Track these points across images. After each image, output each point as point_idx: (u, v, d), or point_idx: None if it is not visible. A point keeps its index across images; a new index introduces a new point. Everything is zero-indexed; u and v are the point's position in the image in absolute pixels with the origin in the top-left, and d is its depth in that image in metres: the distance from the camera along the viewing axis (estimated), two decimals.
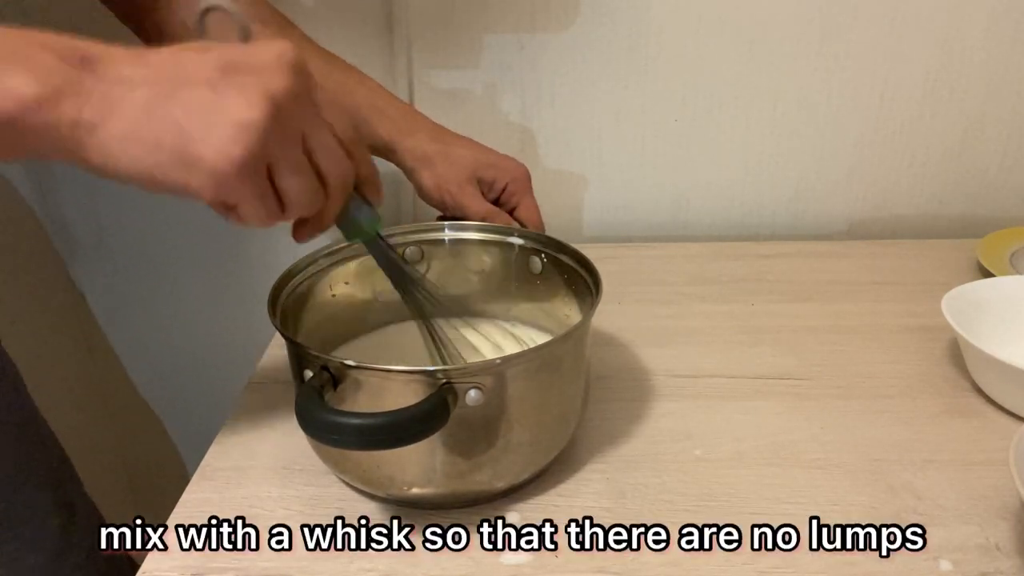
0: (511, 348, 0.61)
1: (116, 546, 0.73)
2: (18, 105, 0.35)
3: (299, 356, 0.49)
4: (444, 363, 0.55)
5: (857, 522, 0.50)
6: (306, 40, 0.68)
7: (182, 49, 0.38)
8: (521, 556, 0.48)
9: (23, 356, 0.70)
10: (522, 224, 0.68)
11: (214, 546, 0.49)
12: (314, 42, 0.68)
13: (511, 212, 0.69)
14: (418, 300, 0.55)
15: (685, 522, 0.50)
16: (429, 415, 0.44)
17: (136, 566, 0.48)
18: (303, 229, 0.45)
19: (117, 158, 0.37)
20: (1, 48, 0.36)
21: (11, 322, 0.70)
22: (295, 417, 0.44)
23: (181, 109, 0.36)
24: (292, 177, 0.40)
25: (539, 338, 0.62)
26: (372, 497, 0.53)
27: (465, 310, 0.64)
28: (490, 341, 0.62)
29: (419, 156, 0.67)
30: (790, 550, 0.48)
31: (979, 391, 0.63)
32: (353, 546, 0.49)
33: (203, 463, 0.57)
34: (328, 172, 0.42)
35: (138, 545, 0.50)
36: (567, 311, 0.60)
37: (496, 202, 0.69)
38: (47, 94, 0.35)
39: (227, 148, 0.36)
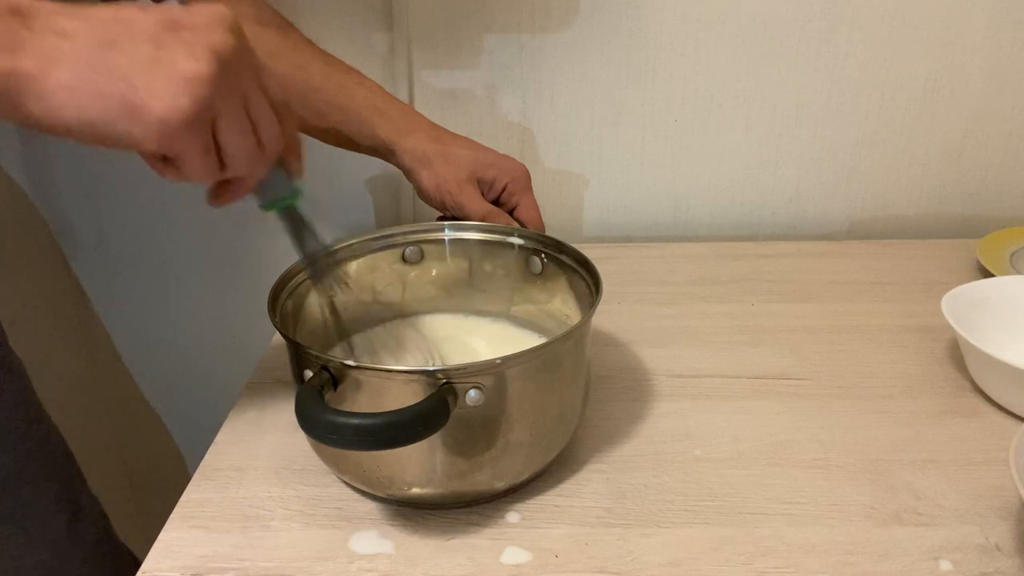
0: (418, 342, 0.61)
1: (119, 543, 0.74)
2: None
3: (299, 356, 0.49)
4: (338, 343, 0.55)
5: (857, 522, 0.50)
6: (306, 42, 0.68)
7: (120, 6, 0.39)
8: (521, 556, 0.48)
9: (23, 355, 0.70)
10: (522, 224, 0.68)
11: (214, 546, 0.49)
12: (313, 43, 0.68)
13: (511, 212, 0.69)
14: (325, 280, 0.55)
15: (685, 522, 0.51)
16: (429, 415, 0.44)
17: (139, 562, 0.48)
18: (224, 193, 0.45)
19: (59, 109, 0.37)
20: None
21: (11, 321, 0.70)
22: (295, 417, 0.44)
23: (126, 61, 0.37)
24: (236, 135, 0.40)
25: (540, 339, 0.62)
26: (372, 497, 0.53)
27: (471, 310, 0.64)
28: (496, 343, 0.62)
29: (418, 156, 0.67)
30: (790, 550, 0.48)
31: (979, 391, 0.63)
32: (353, 546, 0.49)
33: (203, 463, 0.57)
34: (264, 134, 0.42)
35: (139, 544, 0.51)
36: (567, 311, 0.60)
37: (496, 202, 0.69)
38: None
39: (175, 99, 0.37)
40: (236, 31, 0.39)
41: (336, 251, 0.61)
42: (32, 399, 0.69)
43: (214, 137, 0.40)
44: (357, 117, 0.67)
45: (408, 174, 0.68)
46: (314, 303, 0.59)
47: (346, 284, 0.58)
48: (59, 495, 0.67)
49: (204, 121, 0.38)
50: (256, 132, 0.42)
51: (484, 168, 0.68)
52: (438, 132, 0.69)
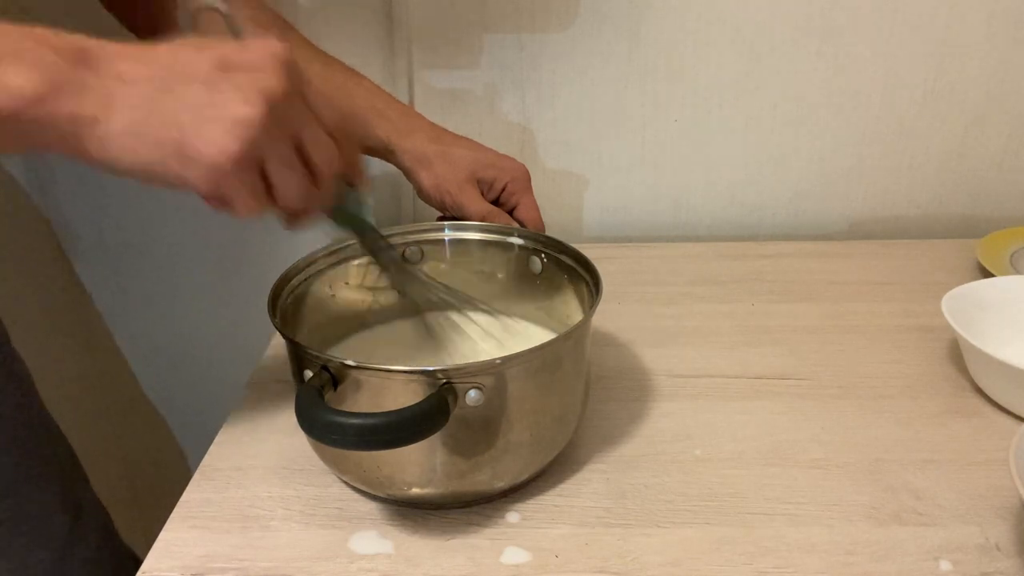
0: (509, 342, 0.61)
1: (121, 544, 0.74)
2: (18, 101, 0.36)
3: (299, 356, 0.49)
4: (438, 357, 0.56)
5: (857, 522, 0.50)
6: (305, 43, 0.68)
7: (178, 46, 0.40)
8: (521, 556, 0.48)
9: (24, 354, 0.70)
10: (522, 224, 0.68)
11: (214, 546, 0.49)
12: (313, 44, 0.68)
13: (511, 212, 0.69)
14: (412, 293, 0.56)
15: (685, 522, 0.51)
16: (429, 415, 0.44)
17: (141, 563, 0.48)
18: (294, 219, 0.46)
19: (117, 152, 0.38)
20: (1, 44, 0.36)
21: (13, 321, 0.70)
22: (295, 417, 0.44)
23: (179, 105, 0.38)
24: (283, 172, 0.41)
25: (539, 336, 0.62)
26: (372, 497, 0.53)
27: (464, 302, 0.64)
28: (488, 334, 0.62)
29: (418, 157, 0.67)
30: (790, 550, 0.48)
31: (979, 391, 0.63)
32: (353, 546, 0.49)
33: (203, 463, 0.57)
34: (319, 165, 0.43)
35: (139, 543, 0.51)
36: (567, 311, 0.60)
37: (496, 202, 0.69)
38: (46, 90, 0.36)
39: (223, 143, 0.38)
40: (289, 68, 0.40)
41: (338, 251, 0.61)
42: (34, 399, 0.69)
43: (265, 175, 0.41)
44: (356, 118, 0.67)
45: (408, 174, 0.68)
46: (314, 302, 0.59)
47: (434, 295, 0.59)
48: (61, 495, 0.67)
49: (252, 162, 0.39)
50: (309, 165, 0.42)
51: (484, 168, 0.68)
52: (437, 132, 0.69)
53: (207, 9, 0.45)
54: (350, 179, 0.48)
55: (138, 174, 0.39)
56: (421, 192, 0.68)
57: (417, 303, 0.57)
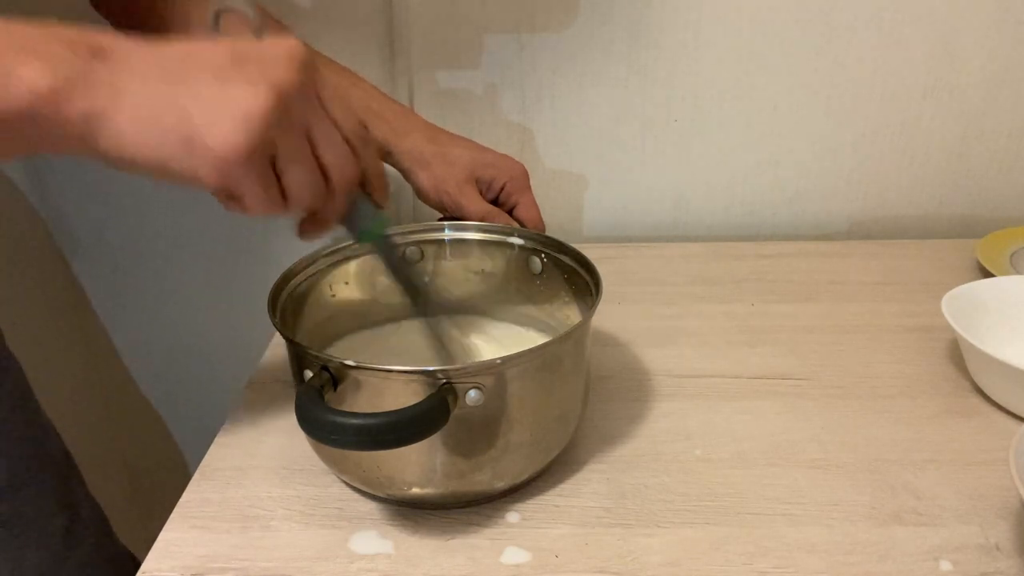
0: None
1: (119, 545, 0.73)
2: (33, 96, 0.35)
3: (299, 356, 0.49)
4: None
5: (857, 522, 0.50)
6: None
7: (193, 41, 0.39)
8: (521, 556, 0.48)
9: (23, 355, 0.70)
10: (521, 223, 0.68)
11: (214, 546, 0.49)
12: (308, 45, 0.68)
13: (510, 211, 0.69)
14: (423, 304, 0.55)
15: (685, 522, 0.51)
16: (429, 415, 0.44)
17: (139, 564, 0.48)
18: (308, 226, 0.45)
19: (128, 146, 0.37)
20: (12, 41, 0.36)
21: (12, 322, 0.69)
22: (295, 417, 0.44)
23: (189, 98, 0.37)
24: (294, 168, 0.40)
25: (540, 338, 0.62)
26: (372, 497, 0.53)
27: (471, 310, 0.64)
28: (497, 343, 0.62)
29: (416, 158, 0.67)
30: (790, 550, 0.48)
31: (979, 391, 0.63)
32: (353, 546, 0.49)
33: (203, 463, 0.57)
34: (331, 167, 0.42)
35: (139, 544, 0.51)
36: (567, 311, 0.60)
37: (495, 201, 0.69)
38: (60, 85, 0.36)
39: (232, 137, 0.37)
40: (305, 65, 0.40)
41: (338, 251, 0.61)
42: (30, 400, 0.69)
43: (277, 171, 0.40)
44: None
45: (406, 175, 0.68)
46: (314, 302, 0.59)
47: (444, 306, 0.58)
48: (57, 497, 0.67)
49: (262, 157, 0.39)
50: (322, 166, 0.42)
51: (482, 168, 0.68)
52: (435, 132, 0.69)
53: (228, 11, 0.44)
54: (369, 190, 0.47)
55: (149, 169, 0.38)
56: (420, 193, 0.68)
57: (428, 316, 0.56)
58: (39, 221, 0.97)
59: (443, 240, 0.64)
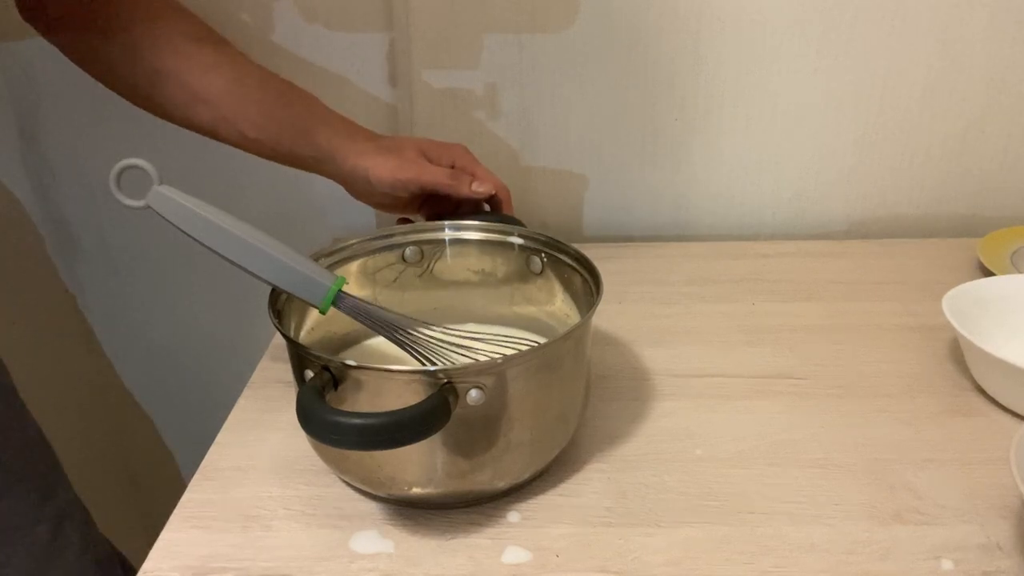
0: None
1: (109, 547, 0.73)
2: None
3: (300, 356, 0.49)
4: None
5: (857, 522, 0.50)
6: (242, 56, 0.68)
7: None
8: (522, 556, 0.48)
9: (21, 357, 0.69)
10: (484, 190, 0.67)
11: (215, 546, 0.49)
12: (251, 59, 0.68)
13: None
14: (403, 337, 0.54)
15: (686, 521, 0.51)
16: (430, 415, 0.44)
17: (129, 566, 0.48)
18: None
19: None
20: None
21: (10, 323, 0.69)
22: (296, 417, 0.44)
23: None
24: None
25: (540, 339, 0.62)
26: (373, 497, 0.53)
27: (471, 311, 0.64)
28: (497, 343, 0.61)
29: (364, 151, 0.66)
30: (790, 549, 0.48)
31: (980, 390, 0.63)
32: (354, 546, 0.49)
33: (203, 463, 0.57)
34: None
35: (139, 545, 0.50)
36: (567, 311, 0.60)
37: None
38: None
39: None
40: None
41: (338, 251, 0.61)
42: (14, 401, 0.68)
43: None
44: (296, 126, 0.67)
45: (353, 173, 0.67)
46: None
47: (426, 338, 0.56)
48: (42, 501, 0.67)
49: None
50: None
51: (428, 148, 0.68)
52: (379, 136, 0.69)
53: (130, 168, 0.48)
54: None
55: None
56: (379, 184, 0.66)
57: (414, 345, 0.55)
58: (38, 222, 0.97)
59: (443, 240, 0.64)
